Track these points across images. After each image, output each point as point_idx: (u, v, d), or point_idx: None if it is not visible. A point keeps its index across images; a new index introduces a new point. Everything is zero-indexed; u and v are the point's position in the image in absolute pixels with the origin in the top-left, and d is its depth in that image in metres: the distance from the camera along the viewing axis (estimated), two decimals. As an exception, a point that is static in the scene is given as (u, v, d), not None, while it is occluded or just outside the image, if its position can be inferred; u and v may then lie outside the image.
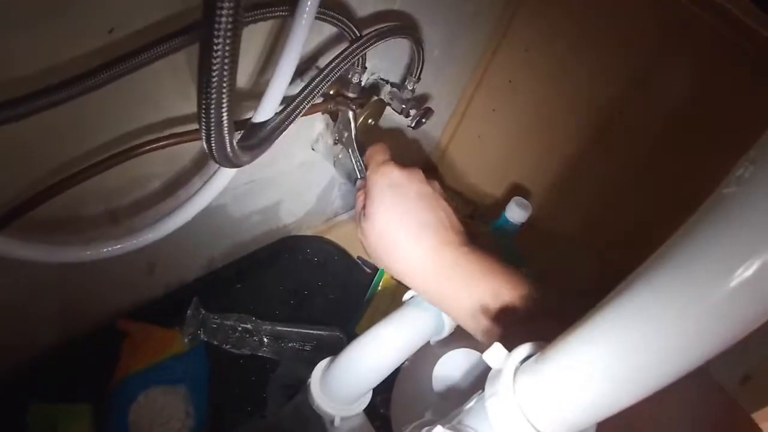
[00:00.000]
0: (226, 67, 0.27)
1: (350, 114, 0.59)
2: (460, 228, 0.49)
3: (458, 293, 0.43)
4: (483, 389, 0.35)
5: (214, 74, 0.27)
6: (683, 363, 0.27)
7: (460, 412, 0.35)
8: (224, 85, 0.28)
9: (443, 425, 0.33)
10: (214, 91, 0.28)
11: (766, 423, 0.43)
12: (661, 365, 0.28)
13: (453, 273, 0.44)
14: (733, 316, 0.24)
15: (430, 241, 0.46)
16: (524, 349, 0.33)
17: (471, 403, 0.35)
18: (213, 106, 0.29)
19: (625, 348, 0.28)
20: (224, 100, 0.29)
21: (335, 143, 0.64)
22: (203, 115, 0.31)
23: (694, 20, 0.59)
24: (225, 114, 0.30)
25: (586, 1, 0.68)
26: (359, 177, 0.61)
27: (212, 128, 0.32)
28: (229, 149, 0.35)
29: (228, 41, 0.26)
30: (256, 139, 0.41)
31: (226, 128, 0.32)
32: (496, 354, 0.34)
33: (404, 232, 0.47)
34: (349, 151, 0.61)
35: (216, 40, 0.26)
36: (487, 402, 0.32)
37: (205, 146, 0.34)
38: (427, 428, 0.33)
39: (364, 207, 0.51)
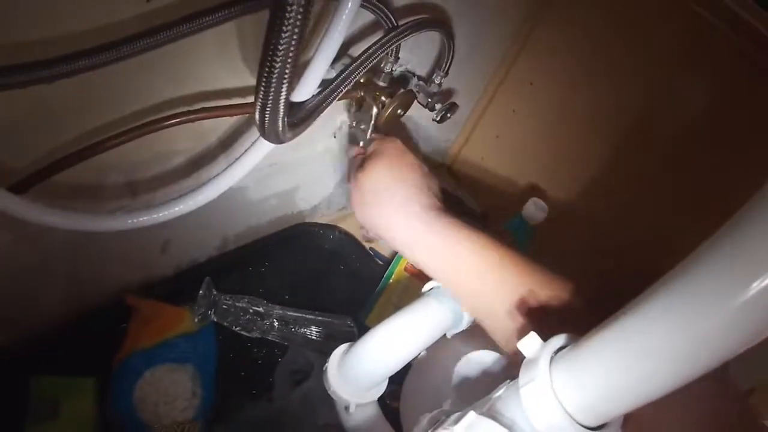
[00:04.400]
0: (295, 38, 0.27)
1: (374, 109, 0.60)
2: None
3: (491, 291, 0.43)
4: (510, 379, 0.35)
5: (282, 44, 0.27)
6: (712, 359, 0.28)
7: (490, 400, 0.35)
8: (290, 56, 0.28)
9: (476, 412, 0.33)
10: (279, 61, 0.28)
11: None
12: (694, 359, 0.28)
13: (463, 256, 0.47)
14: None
15: (422, 200, 0.52)
16: (559, 339, 0.34)
17: (501, 392, 0.35)
18: (275, 78, 0.29)
19: (661, 342, 0.29)
20: (287, 73, 0.29)
21: (351, 126, 0.64)
22: (263, 86, 0.31)
23: (712, 31, 0.60)
24: (285, 86, 0.30)
25: (608, 7, 0.69)
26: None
27: (270, 100, 0.31)
28: (280, 123, 0.35)
29: (301, 10, 0.26)
30: (296, 118, 0.41)
31: (283, 101, 0.32)
32: (531, 343, 0.34)
33: (400, 186, 0.53)
34: (361, 127, 0.64)
35: (290, 8, 0.25)
36: (522, 389, 0.32)
37: (257, 117, 0.34)
38: (458, 414, 0.33)
39: (362, 163, 0.57)
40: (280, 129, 0.36)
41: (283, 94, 0.31)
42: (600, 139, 0.74)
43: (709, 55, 0.62)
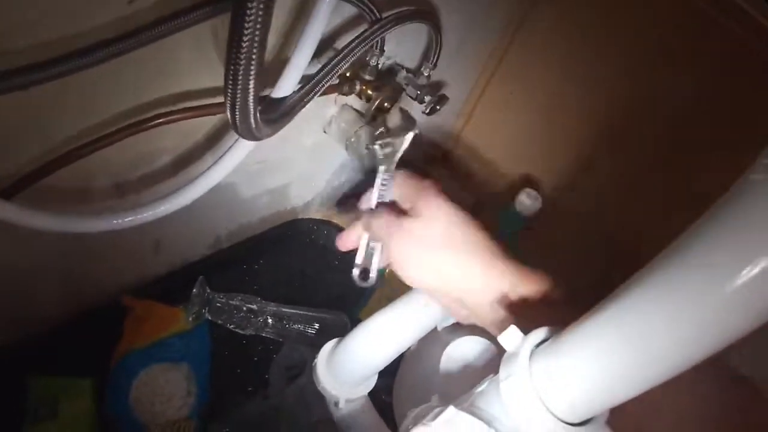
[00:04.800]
0: (257, 33, 0.27)
1: (410, 135, 0.47)
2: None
3: (474, 282, 0.43)
4: (495, 373, 0.35)
5: (245, 40, 0.27)
6: (700, 350, 0.27)
7: (472, 395, 0.35)
8: (254, 52, 0.28)
9: (456, 407, 0.32)
10: (243, 58, 0.28)
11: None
12: (678, 352, 0.28)
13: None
14: (755, 303, 0.24)
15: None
16: (540, 332, 0.33)
17: (483, 386, 0.35)
18: (241, 75, 0.29)
19: (642, 334, 0.28)
20: (252, 69, 0.29)
21: (372, 145, 0.56)
22: (230, 83, 0.30)
23: (707, 21, 0.59)
24: (252, 83, 0.30)
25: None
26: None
27: (238, 97, 0.31)
28: (252, 120, 0.35)
29: (261, 6, 0.25)
30: (276, 114, 0.41)
31: (251, 98, 0.32)
32: (511, 337, 0.33)
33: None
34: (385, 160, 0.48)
35: (250, 3, 0.25)
36: (502, 384, 0.32)
37: (228, 116, 0.34)
38: (438, 409, 0.33)
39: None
40: (254, 126, 0.36)
41: (251, 91, 0.31)
42: (593, 131, 0.74)
43: (709, 48, 0.61)
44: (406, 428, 0.39)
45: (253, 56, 0.28)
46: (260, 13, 0.25)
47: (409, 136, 0.47)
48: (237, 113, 0.33)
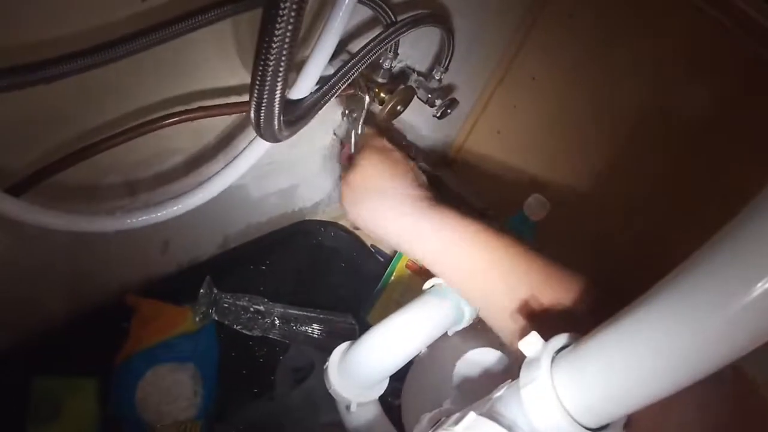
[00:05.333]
0: (288, 35, 0.27)
1: (365, 105, 0.60)
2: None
3: (495, 289, 0.43)
4: (511, 379, 0.35)
5: (275, 41, 0.27)
6: (721, 358, 0.27)
7: (489, 401, 0.35)
8: (284, 54, 0.28)
9: (476, 412, 0.32)
10: (272, 59, 0.28)
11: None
12: (697, 360, 0.28)
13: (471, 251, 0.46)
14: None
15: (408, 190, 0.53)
16: (561, 339, 0.33)
17: (501, 392, 0.35)
18: (269, 77, 0.29)
19: (663, 343, 0.28)
20: (281, 71, 0.29)
21: (343, 116, 0.65)
22: (257, 85, 0.30)
23: (719, 30, 0.59)
24: (280, 85, 0.30)
25: (610, 2, 0.68)
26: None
27: (264, 99, 0.31)
28: (276, 122, 0.35)
29: (294, 6, 0.25)
30: (293, 116, 0.41)
31: (278, 100, 0.32)
32: (532, 343, 0.33)
33: (388, 181, 0.54)
34: (352, 123, 0.64)
35: (283, 4, 0.25)
36: (523, 389, 0.32)
37: (252, 117, 0.34)
38: (458, 414, 0.33)
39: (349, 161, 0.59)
40: (276, 127, 0.36)
41: (278, 92, 0.31)
42: (602, 135, 0.74)
43: (716, 53, 0.61)
44: (422, 431, 0.39)
45: (283, 58, 0.28)
46: (293, 13, 0.25)
47: (366, 100, 0.60)
48: (262, 115, 0.33)
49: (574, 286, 0.41)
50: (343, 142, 0.69)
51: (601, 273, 0.74)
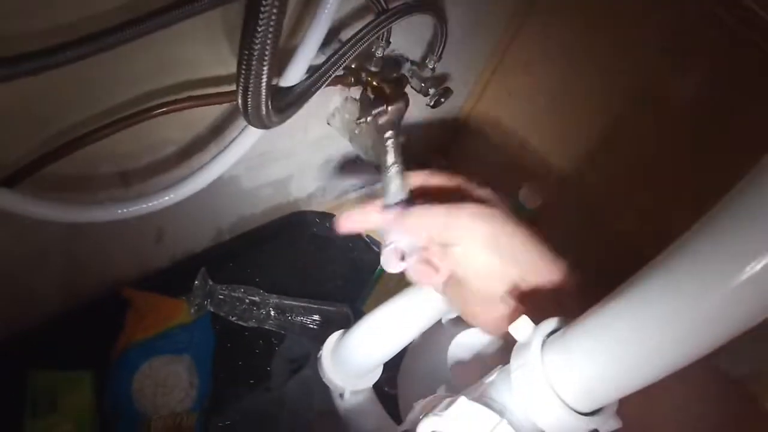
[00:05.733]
0: (273, 19, 0.26)
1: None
2: None
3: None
4: (503, 363, 0.35)
5: (261, 23, 0.27)
6: (712, 340, 0.27)
7: (481, 385, 0.35)
8: (269, 36, 0.27)
9: (467, 397, 0.32)
10: (258, 42, 0.28)
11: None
12: (691, 343, 0.27)
13: None
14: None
15: None
16: (551, 322, 0.33)
17: (493, 376, 0.34)
18: (255, 60, 0.29)
19: (654, 325, 0.28)
20: (267, 55, 0.29)
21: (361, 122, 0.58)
22: (243, 70, 0.30)
23: (713, 19, 0.59)
24: (266, 69, 0.30)
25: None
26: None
27: (251, 83, 0.31)
28: (264, 108, 0.34)
29: (277, -11, 0.25)
30: (284, 102, 0.41)
31: (264, 85, 0.31)
32: (522, 327, 0.33)
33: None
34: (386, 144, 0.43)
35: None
36: (514, 374, 0.31)
37: (240, 102, 0.34)
38: (449, 399, 0.33)
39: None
40: (264, 113, 0.35)
41: (265, 77, 0.31)
42: (596, 125, 0.73)
43: (708, 41, 0.61)
44: (415, 418, 0.39)
45: (269, 41, 0.28)
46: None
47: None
48: (249, 100, 0.33)
49: (559, 267, 0.41)
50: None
51: (595, 260, 0.74)
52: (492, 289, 0.40)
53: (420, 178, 0.43)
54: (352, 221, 0.43)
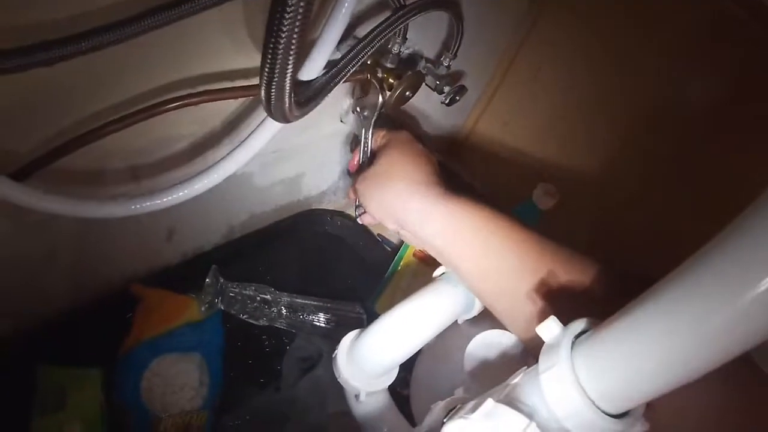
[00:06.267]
0: (301, 9, 0.26)
1: (380, 98, 0.59)
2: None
3: (510, 272, 0.42)
4: (527, 365, 0.34)
5: (288, 16, 0.26)
6: (740, 346, 0.27)
7: (506, 387, 0.34)
8: (296, 30, 0.27)
9: (494, 399, 0.31)
10: (284, 35, 0.27)
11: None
12: (718, 345, 0.27)
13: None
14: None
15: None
16: (580, 323, 0.33)
17: (518, 378, 0.34)
18: (281, 53, 0.28)
19: (684, 327, 0.28)
20: (293, 47, 0.28)
21: (355, 112, 0.64)
22: (269, 62, 0.29)
23: (730, 19, 0.58)
24: (291, 62, 0.29)
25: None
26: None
27: (275, 76, 0.30)
28: (287, 102, 0.34)
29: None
30: (303, 96, 0.40)
31: (289, 78, 0.31)
32: (550, 328, 0.33)
33: (407, 170, 0.54)
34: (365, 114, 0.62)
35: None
36: (542, 375, 0.31)
37: (263, 95, 0.33)
38: (475, 401, 0.32)
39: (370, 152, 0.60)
40: (287, 107, 0.35)
41: (290, 69, 0.30)
42: (610, 124, 0.73)
43: (726, 44, 0.60)
44: (435, 421, 0.38)
45: (296, 33, 0.27)
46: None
47: (379, 100, 0.59)
48: (273, 92, 0.32)
49: (588, 269, 0.40)
50: (353, 150, 0.68)
51: (607, 262, 0.73)
52: None
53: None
54: None
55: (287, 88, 0.32)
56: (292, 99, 0.35)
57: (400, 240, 0.79)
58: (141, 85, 0.46)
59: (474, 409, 0.31)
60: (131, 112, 0.45)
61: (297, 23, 0.27)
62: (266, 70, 0.31)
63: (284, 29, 0.27)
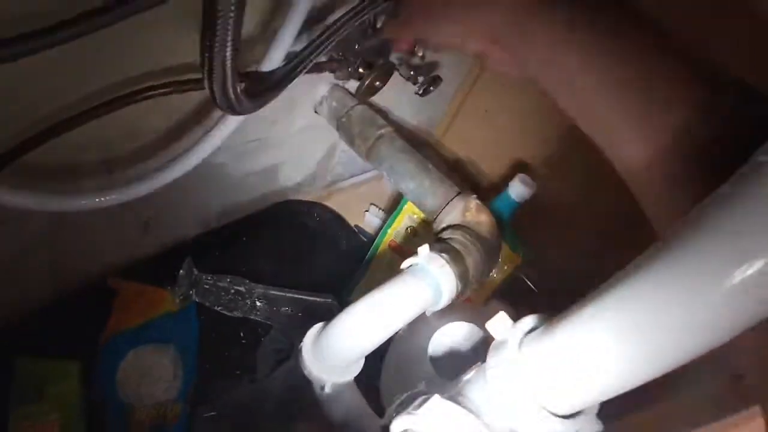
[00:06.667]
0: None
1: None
2: None
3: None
4: (482, 360, 0.34)
5: (221, 7, 0.25)
6: (693, 348, 0.26)
7: (459, 383, 0.34)
8: (230, 17, 0.26)
9: (441, 396, 0.31)
10: (219, 25, 0.26)
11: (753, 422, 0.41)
12: (670, 348, 0.26)
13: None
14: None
15: None
16: (529, 320, 0.32)
17: (470, 375, 0.34)
18: (217, 42, 0.28)
19: (635, 327, 0.27)
20: (229, 35, 0.27)
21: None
22: (207, 54, 0.29)
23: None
24: (228, 52, 0.29)
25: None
26: None
27: (215, 66, 0.30)
28: (231, 92, 0.33)
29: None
30: (261, 87, 0.39)
31: (229, 69, 0.30)
32: (500, 324, 0.32)
33: None
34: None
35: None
36: (489, 372, 0.31)
37: (206, 86, 0.33)
38: (423, 398, 0.32)
39: None
40: (233, 98, 0.34)
41: (228, 61, 0.30)
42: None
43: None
44: (390, 415, 0.39)
45: (230, 21, 0.27)
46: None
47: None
48: (214, 85, 0.32)
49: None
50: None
51: (584, 252, 0.73)
52: None
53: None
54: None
55: (229, 79, 0.32)
56: (237, 91, 0.34)
57: (376, 230, 0.79)
58: (108, 78, 0.46)
59: (420, 405, 0.31)
60: (97, 105, 0.45)
61: (230, 14, 0.26)
62: (205, 62, 0.30)
63: (218, 21, 0.26)
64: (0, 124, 0.43)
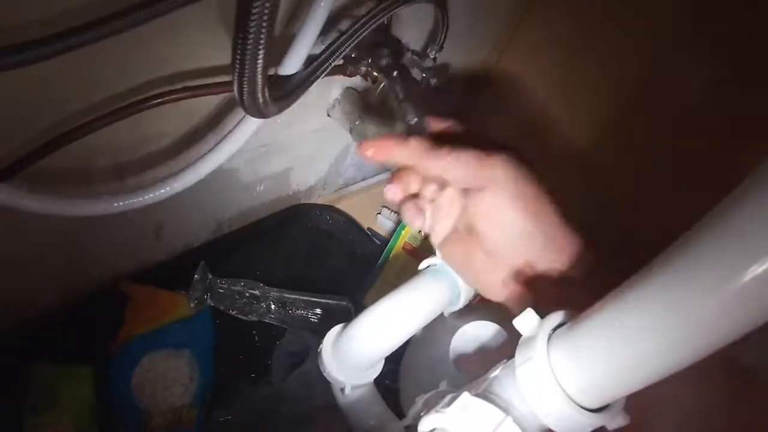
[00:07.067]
0: (267, 4, 0.25)
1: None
2: None
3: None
4: (507, 358, 0.34)
5: (255, 10, 0.26)
6: (721, 338, 0.26)
7: (485, 381, 0.34)
8: (264, 20, 0.26)
9: (470, 393, 0.31)
10: (252, 27, 0.27)
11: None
12: (699, 340, 0.27)
13: None
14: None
15: None
16: (557, 316, 0.32)
17: (497, 372, 0.34)
18: (250, 46, 0.28)
19: (662, 320, 0.27)
20: (262, 40, 0.28)
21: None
22: (238, 57, 0.29)
23: (718, 7, 0.58)
24: (261, 55, 0.29)
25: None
26: None
27: (246, 70, 0.30)
28: (260, 95, 0.33)
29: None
30: (281, 91, 0.40)
31: (260, 71, 0.30)
32: (527, 321, 0.32)
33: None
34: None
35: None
36: (518, 369, 0.31)
37: (236, 91, 0.33)
38: (452, 395, 0.32)
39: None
40: (261, 102, 0.35)
41: (260, 64, 0.30)
42: (601, 111, 0.72)
43: (714, 31, 0.60)
44: (416, 414, 0.39)
45: (263, 26, 0.27)
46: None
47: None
48: (245, 88, 0.32)
49: (574, 245, 0.39)
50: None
51: (599, 251, 0.73)
52: (509, 253, 0.38)
53: (440, 125, 0.43)
54: (375, 147, 0.41)
55: (259, 82, 0.32)
56: (266, 94, 0.35)
57: (389, 233, 0.79)
58: (122, 83, 0.46)
59: (450, 403, 0.31)
60: (113, 110, 0.45)
61: (264, 18, 0.26)
62: (237, 64, 0.30)
63: (252, 24, 0.26)
64: (14, 129, 0.43)
